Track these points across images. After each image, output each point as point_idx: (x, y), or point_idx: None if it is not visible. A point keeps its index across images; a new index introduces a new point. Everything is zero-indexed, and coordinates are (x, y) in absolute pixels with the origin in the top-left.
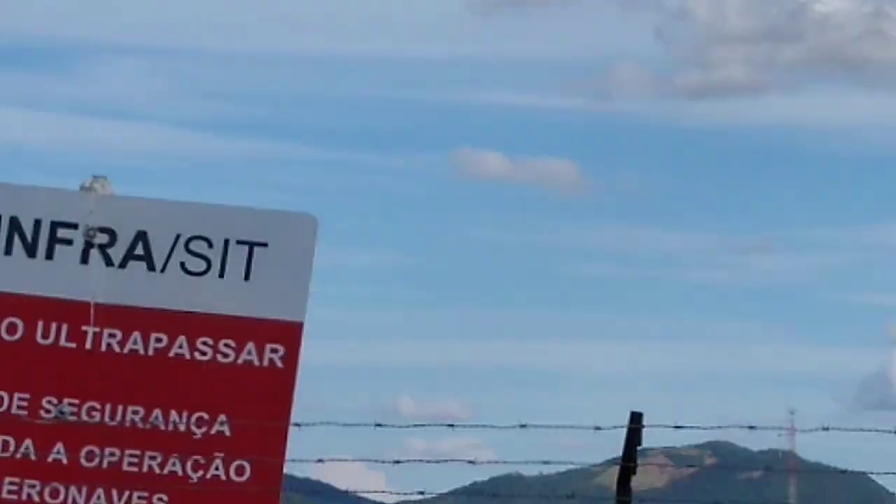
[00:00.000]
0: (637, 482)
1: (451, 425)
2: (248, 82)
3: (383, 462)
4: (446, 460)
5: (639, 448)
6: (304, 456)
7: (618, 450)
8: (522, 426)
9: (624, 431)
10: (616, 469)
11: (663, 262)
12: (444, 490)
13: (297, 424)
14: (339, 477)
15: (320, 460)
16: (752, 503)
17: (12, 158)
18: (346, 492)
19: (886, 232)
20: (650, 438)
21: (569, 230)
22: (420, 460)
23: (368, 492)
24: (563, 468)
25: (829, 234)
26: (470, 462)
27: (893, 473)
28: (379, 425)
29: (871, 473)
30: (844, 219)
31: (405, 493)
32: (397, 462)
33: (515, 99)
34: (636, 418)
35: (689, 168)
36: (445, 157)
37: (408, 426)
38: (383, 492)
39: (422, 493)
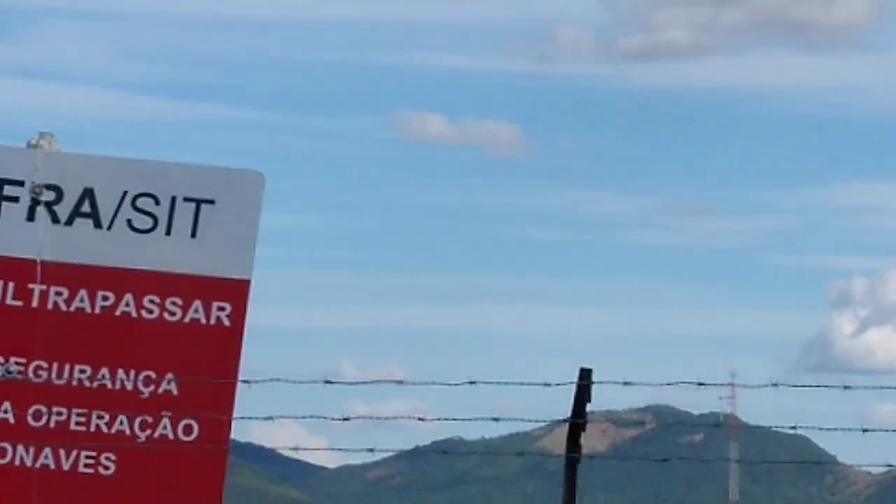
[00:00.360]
0: None
1: (401, 382)
2: (192, 45)
3: (332, 419)
4: (395, 417)
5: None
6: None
7: (562, 413)
8: (471, 383)
9: (572, 389)
10: (558, 432)
11: (605, 225)
12: (389, 453)
13: (247, 381)
14: (282, 440)
15: (269, 417)
16: (696, 465)
17: None
18: (296, 449)
19: (828, 195)
20: (593, 402)
21: (511, 193)
22: (369, 417)
23: (313, 449)
24: (505, 431)
25: (771, 196)
26: (419, 419)
27: (836, 429)
28: (329, 382)
29: (814, 428)
30: (787, 182)
31: (351, 451)
32: (346, 419)
33: (458, 61)
34: (585, 375)
35: (632, 131)
36: (387, 120)
37: (356, 383)
38: (330, 448)
39: (371, 450)
